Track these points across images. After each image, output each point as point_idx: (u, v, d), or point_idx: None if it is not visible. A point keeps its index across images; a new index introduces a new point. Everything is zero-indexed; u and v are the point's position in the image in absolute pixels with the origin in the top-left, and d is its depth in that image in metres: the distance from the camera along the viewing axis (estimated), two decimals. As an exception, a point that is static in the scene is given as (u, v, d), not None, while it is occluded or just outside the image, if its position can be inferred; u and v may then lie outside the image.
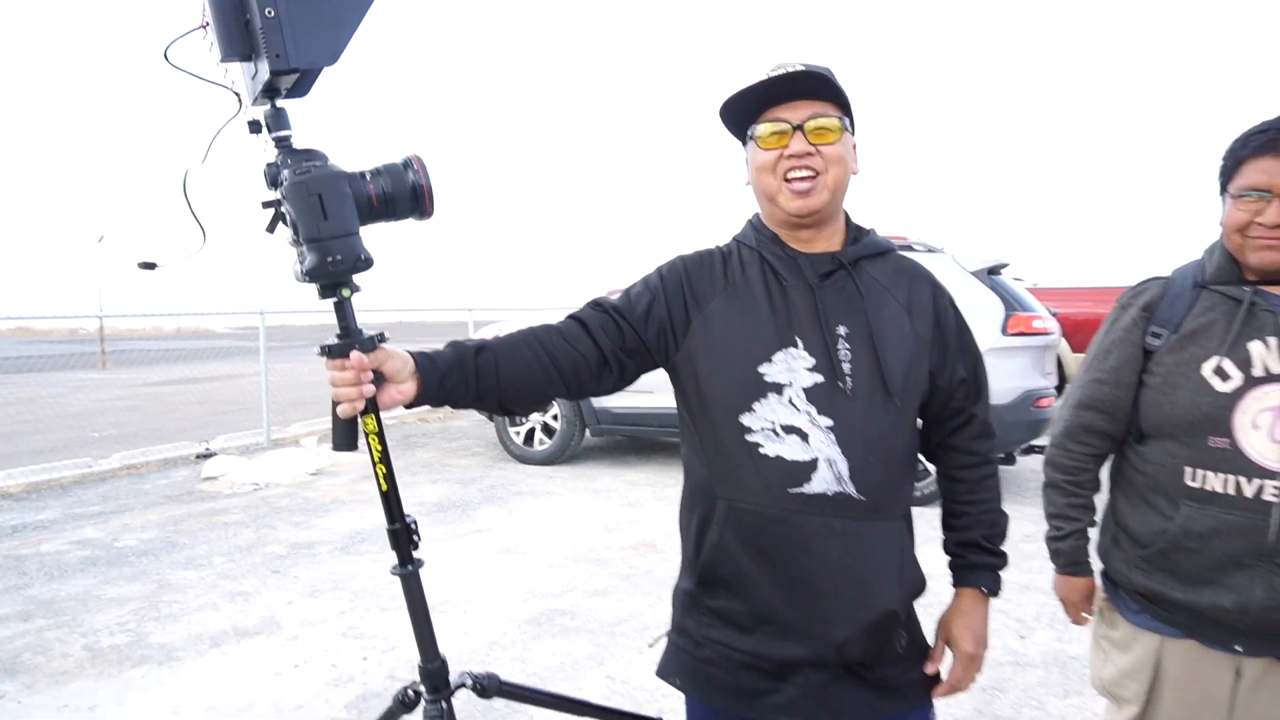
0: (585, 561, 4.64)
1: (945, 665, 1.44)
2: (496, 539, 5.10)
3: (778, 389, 1.27)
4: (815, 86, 1.29)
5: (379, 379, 1.21)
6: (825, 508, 1.25)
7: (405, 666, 3.28)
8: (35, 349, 24.26)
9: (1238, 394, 1.46)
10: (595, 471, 7.05)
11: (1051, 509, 1.75)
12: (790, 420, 1.26)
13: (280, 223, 1.16)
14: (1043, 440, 6.38)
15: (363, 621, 3.79)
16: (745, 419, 1.28)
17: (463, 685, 1.51)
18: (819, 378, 1.27)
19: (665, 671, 1.44)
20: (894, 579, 1.29)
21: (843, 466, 1.25)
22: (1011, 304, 5.82)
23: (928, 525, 1.65)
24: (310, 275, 1.13)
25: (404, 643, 3.53)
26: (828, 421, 1.26)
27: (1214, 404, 1.47)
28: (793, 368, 1.28)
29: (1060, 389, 7.77)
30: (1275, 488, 1.42)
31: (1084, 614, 1.77)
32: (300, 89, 1.16)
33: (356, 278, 1.18)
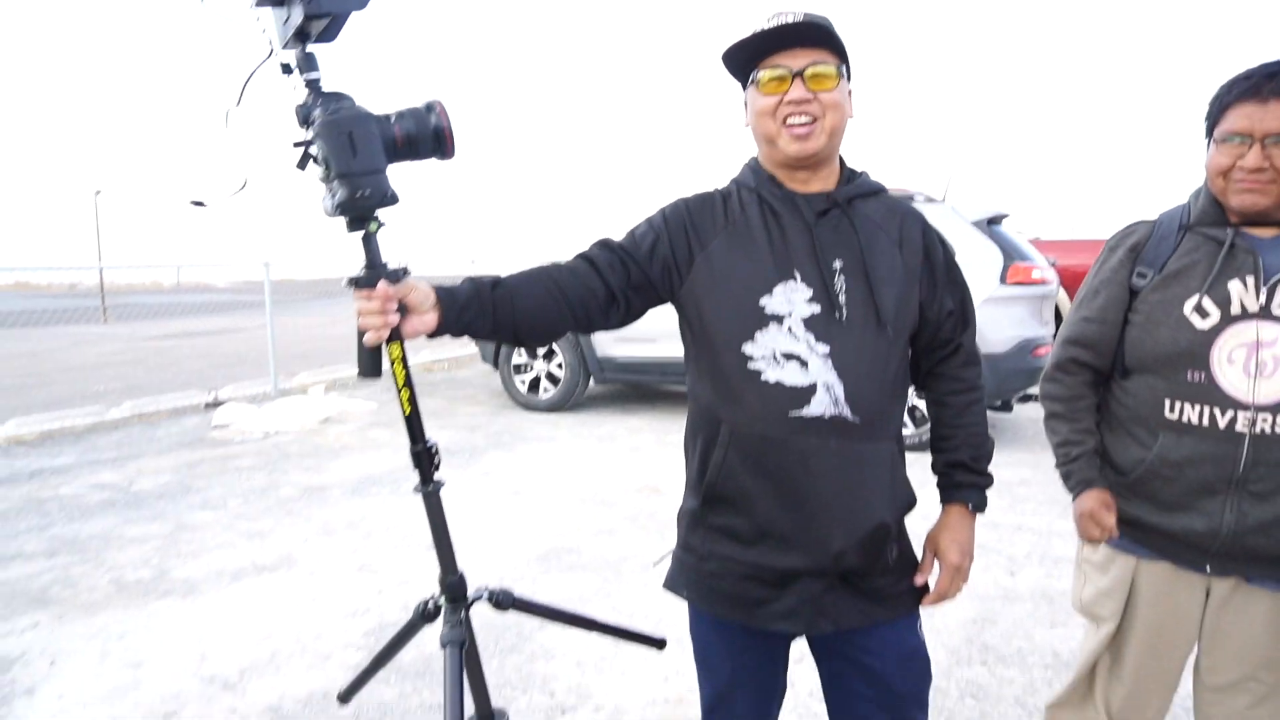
0: (591, 503, 4.77)
1: (933, 578, 1.54)
2: (504, 482, 5.23)
3: (778, 319, 1.36)
4: (814, 35, 1.35)
5: (402, 310, 1.29)
6: (822, 429, 1.34)
7: (418, 599, 3.43)
8: (35, 303, 24.31)
9: (1215, 330, 1.54)
10: (599, 419, 7.18)
11: (1056, 438, 1.77)
12: (790, 348, 1.35)
13: (310, 161, 1.23)
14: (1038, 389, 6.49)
15: (375, 559, 3.93)
16: (747, 348, 1.36)
17: (480, 598, 1.62)
18: (816, 308, 1.36)
19: (672, 585, 1.54)
20: (886, 494, 1.39)
21: (839, 391, 1.34)
22: (1011, 254, 5.87)
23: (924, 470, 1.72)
24: (341, 209, 1.21)
25: (416, 578, 3.68)
26: (825, 349, 1.34)
27: (1193, 340, 1.55)
28: (791, 299, 1.36)
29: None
30: (1246, 419, 1.51)
31: (1107, 523, 1.67)
32: (328, 34, 1.22)
33: (381, 214, 1.25)
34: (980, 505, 1.52)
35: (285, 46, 1.24)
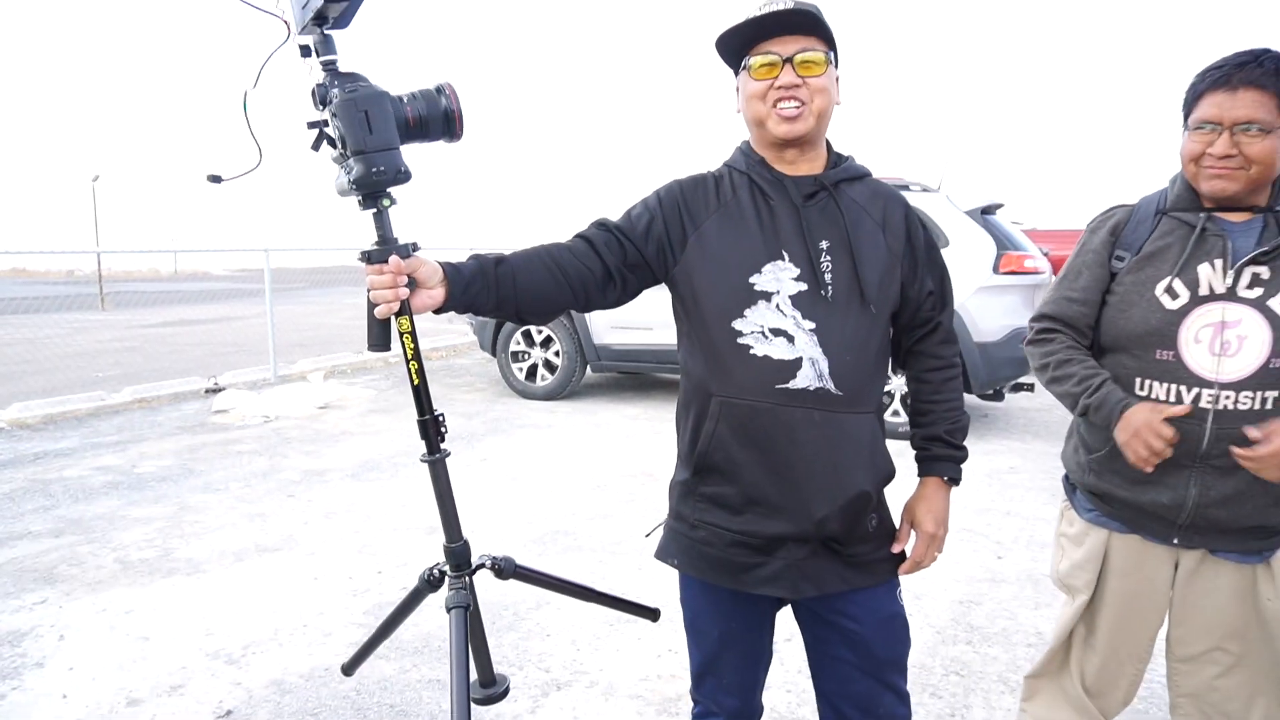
0: (587, 488, 4.85)
1: (910, 548, 1.61)
2: (501, 468, 5.31)
3: (766, 296, 1.43)
4: (804, 23, 1.42)
5: (412, 284, 1.36)
6: (808, 401, 1.41)
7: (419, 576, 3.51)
8: (33, 290, 24.29)
9: (1183, 311, 1.60)
10: (595, 406, 7.25)
11: (1070, 380, 1.71)
12: (777, 324, 1.42)
13: (325, 142, 1.30)
14: (1030, 379, 6.56)
15: (375, 540, 4.01)
16: (737, 324, 1.43)
17: (482, 565, 1.69)
18: (803, 286, 1.42)
19: (664, 553, 1.62)
20: (867, 464, 1.46)
21: (823, 365, 1.41)
22: (1004, 243, 5.94)
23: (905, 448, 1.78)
24: (356, 184, 1.28)
25: (415, 559, 3.75)
26: (811, 325, 1.41)
27: (1162, 320, 1.62)
28: (779, 278, 1.43)
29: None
30: (1210, 396, 1.58)
31: (1166, 433, 1.56)
32: (343, 20, 1.29)
33: (392, 192, 1.32)
34: (955, 478, 1.59)
35: (303, 31, 1.31)
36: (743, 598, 1.54)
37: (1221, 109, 1.53)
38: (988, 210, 6.15)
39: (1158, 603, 1.76)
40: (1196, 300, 1.60)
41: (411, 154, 1.34)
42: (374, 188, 1.30)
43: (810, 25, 1.42)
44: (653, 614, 1.95)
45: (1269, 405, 1.53)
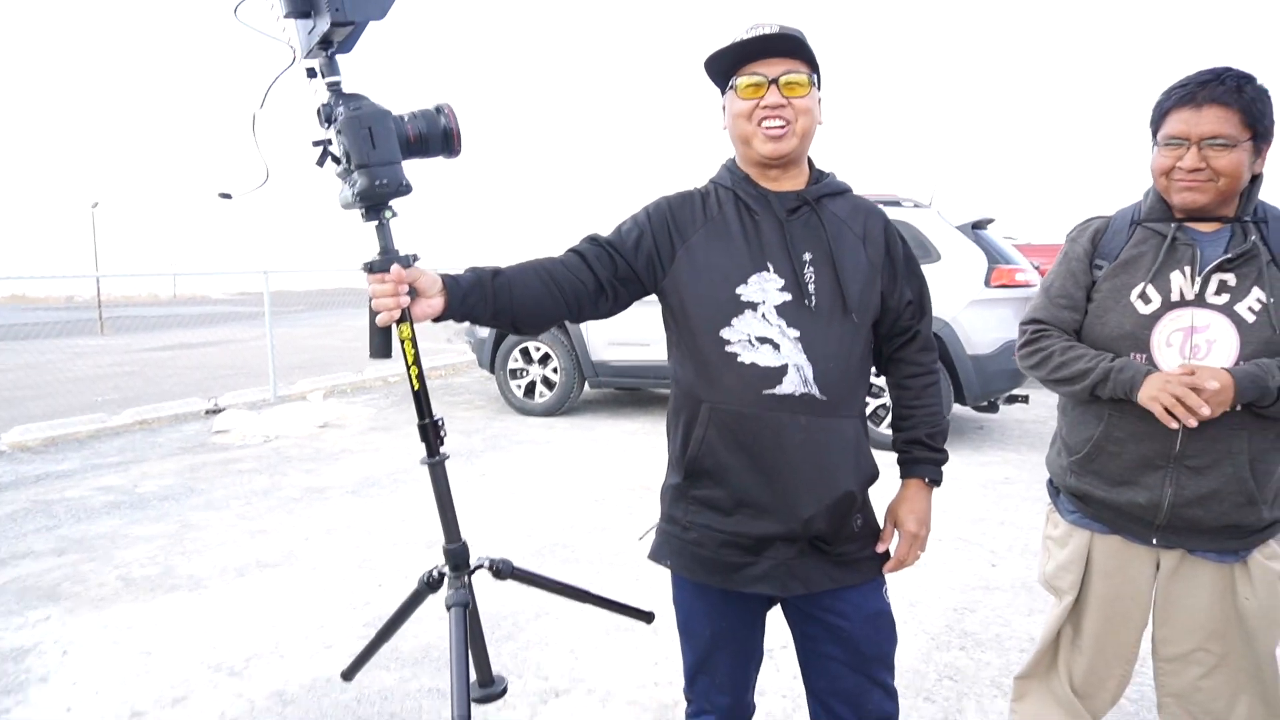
0: (585, 502, 4.89)
1: (894, 547, 1.66)
2: (500, 483, 5.35)
3: (753, 306, 1.49)
4: (788, 46, 1.49)
5: (412, 293, 1.42)
6: (793, 406, 1.47)
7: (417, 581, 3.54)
8: (32, 316, 24.33)
9: (1155, 316, 1.67)
10: (593, 422, 7.30)
11: (1080, 363, 1.71)
12: (764, 332, 1.48)
13: (329, 158, 1.37)
14: (1024, 390, 6.62)
15: (375, 555, 4.04)
16: (725, 333, 1.49)
17: (481, 566, 1.74)
18: (788, 296, 1.49)
19: (657, 555, 1.66)
20: (851, 466, 1.52)
21: (808, 371, 1.47)
22: (995, 257, 6.02)
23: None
24: (360, 196, 1.35)
25: (415, 573, 3.76)
26: (795, 333, 1.47)
27: (1136, 324, 1.68)
28: (765, 288, 1.49)
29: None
30: None
31: (1209, 385, 1.54)
32: (347, 44, 1.36)
33: (394, 205, 1.39)
34: (936, 479, 1.65)
35: (308, 55, 1.38)
36: (734, 597, 1.59)
37: (1189, 125, 1.60)
38: (979, 225, 6.24)
39: (1141, 603, 1.80)
40: (1168, 305, 1.66)
41: (412, 170, 1.41)
42: (377, 200, 1.37)
43: (795, 49, 1.49)
44: (647, 616, 2.00)
45: (1238, 406, 1.58)
